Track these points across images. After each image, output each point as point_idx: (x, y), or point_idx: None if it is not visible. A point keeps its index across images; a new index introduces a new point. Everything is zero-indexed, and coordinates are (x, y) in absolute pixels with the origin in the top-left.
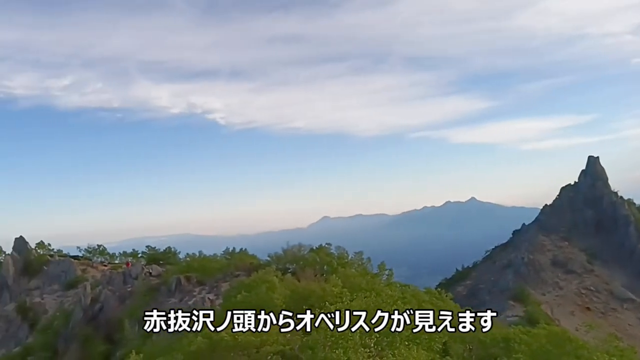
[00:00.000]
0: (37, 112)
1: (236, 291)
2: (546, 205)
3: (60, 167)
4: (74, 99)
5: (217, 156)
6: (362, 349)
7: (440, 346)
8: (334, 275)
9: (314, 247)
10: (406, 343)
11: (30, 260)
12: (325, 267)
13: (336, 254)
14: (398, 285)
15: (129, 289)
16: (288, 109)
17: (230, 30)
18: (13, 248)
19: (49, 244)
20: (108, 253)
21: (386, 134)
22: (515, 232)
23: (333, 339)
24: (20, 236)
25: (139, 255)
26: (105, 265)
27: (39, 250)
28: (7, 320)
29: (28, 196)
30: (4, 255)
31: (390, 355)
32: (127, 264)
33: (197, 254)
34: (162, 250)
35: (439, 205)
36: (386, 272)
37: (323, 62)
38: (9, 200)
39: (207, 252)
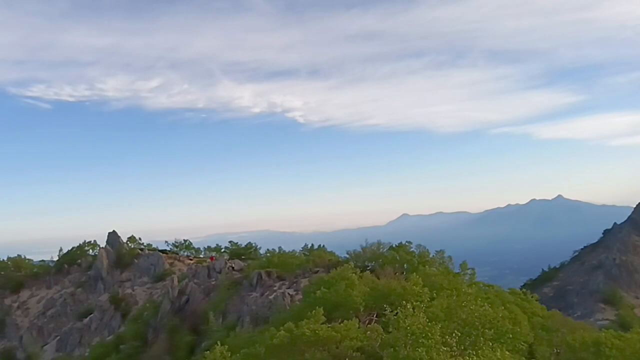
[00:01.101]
0: (128, 113)
1: (315, 287)
2: None
3: (149, 165)
4: (161, 100)
5: (296, 154)
6: (444, 348)
7: (526, 347)
8: (414, 273)
9: (394, 245)
10: (490, 343)
11: (122, 254)
12: (405, 265)
13: (416, 252)
14: (481, 285)
15: (213, 282)
16: (366, 106)
17: (309, 29)
18: (106, 242)
19: (140, 239)
20: (193, 248)
21: (467, 129)
22: (605, 232)
23: (414, 337)
24: (113, 231)
25: (222, 250)
26: (190, 259)
27: (130, 244)
28: (102, 310)
29: (120, 193)
30: (98, 248)
31: (473, 355)
32: (211, 258)
33: (277, 250)
34: (243, 245)
35: (524, 203)
36: (468, 272)
37: (401, 58)
38: (103, 197)
39: (286, 248)
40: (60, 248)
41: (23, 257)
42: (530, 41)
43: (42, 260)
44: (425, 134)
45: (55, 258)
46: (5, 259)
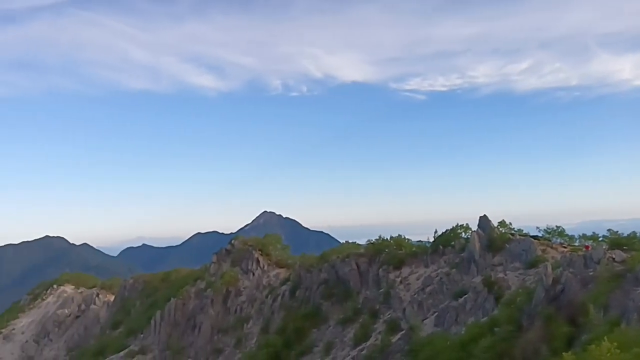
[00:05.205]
0: (497, 97)
1: None
2: None
3: (513, 150)
4: (531, 82)
5: None
6: None
7: None
8: None
9: None
10: None
11: (493, 238)
12: None
13: None
14: None
15: (590, 273)
16: None
17: None
18: (478, 226)
19: (510, 223)
20: (567, 235)
21: None
22: None
23: None
24: (484, 215)
25: (600, 238)
26: (564, 247)
27: (500, 229)
28: (475, 292)
29: (489, 177)
30: (470, 232)
31: None
32: (586, 247)
33: None
34: (625, 234)
35: None
36: None
37: None
38: (473, 182)
39: None
40: (435, 230)
41: (403, 237)
42: None
43: (420, 241)
44: None
45: (431, 239)
46: (388, 238)
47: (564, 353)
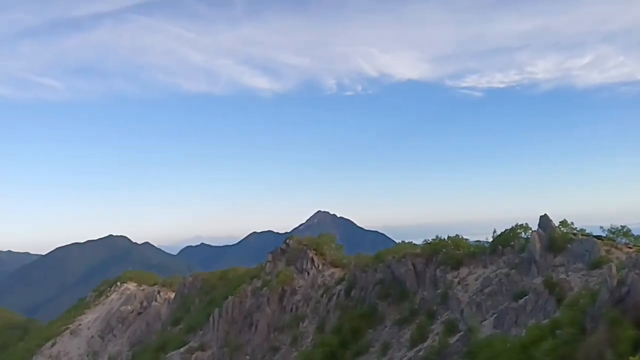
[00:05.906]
0: (556, 93)
1: None
2: None
3: (575, 146)
4: (594, 77)
5: None
6: None
7: None
8: None
9: None
10: None
11: (555, 238)
12: None
13: None
14: None
15: None
16: None
17: None
18: (538, 225)
19: (572, 223)
20: (632, 235)
21: None
22: None
23: None
24: (545, 214)
25: None
26: (630, 247)
27: (562, 229)
28: (536, 293)
29: (546, 175)
30: (530, 231)
31: None
32: None
33: None
34: None
35: None
36: None
37: None
38: (533, 181)
39: None
40: (494, 230)
41: (460, 236)
42: None
43: (478, 241)
44: None
45: (490, 239)
46: (445, 238)
47: (630, 357)
